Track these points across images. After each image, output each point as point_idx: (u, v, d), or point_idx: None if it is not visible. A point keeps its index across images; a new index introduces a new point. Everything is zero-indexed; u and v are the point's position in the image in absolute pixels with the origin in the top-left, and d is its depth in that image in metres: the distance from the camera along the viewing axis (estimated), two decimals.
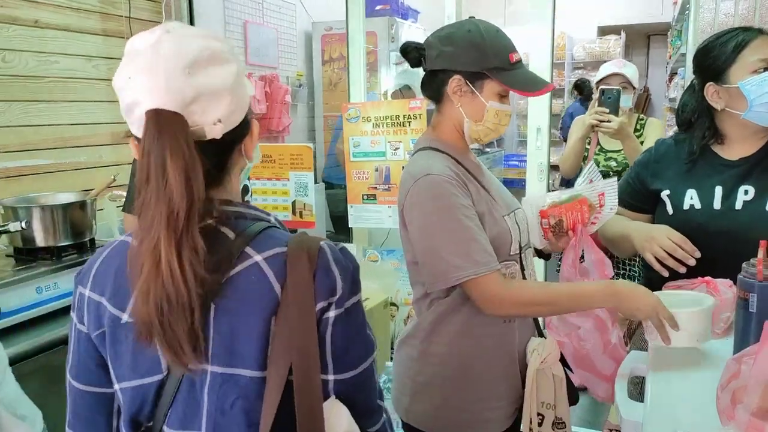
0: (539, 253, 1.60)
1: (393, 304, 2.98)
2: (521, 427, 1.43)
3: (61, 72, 2.61)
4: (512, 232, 1.40)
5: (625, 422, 1.07)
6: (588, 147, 2.77)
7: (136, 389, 0.86)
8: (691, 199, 1.53)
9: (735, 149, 1.53)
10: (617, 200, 1.51)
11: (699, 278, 1.40)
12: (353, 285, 0.86)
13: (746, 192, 1.47)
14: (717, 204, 1.49)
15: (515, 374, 1.44)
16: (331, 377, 0.85)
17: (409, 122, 2.72)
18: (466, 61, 1.34)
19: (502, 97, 1.37)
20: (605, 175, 2.73)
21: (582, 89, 6.17)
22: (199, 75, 0.79)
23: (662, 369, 1.20)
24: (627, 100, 2.58)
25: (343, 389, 0.86)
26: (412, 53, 1.41)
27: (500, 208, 1.41)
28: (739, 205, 1.47)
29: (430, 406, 1.43)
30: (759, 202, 1.46)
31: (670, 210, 1.56)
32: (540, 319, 1.59)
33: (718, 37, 1.51)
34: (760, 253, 1.13)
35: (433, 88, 1.40)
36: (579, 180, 1.57)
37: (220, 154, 0.86)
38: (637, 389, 1.41)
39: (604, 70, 2.70)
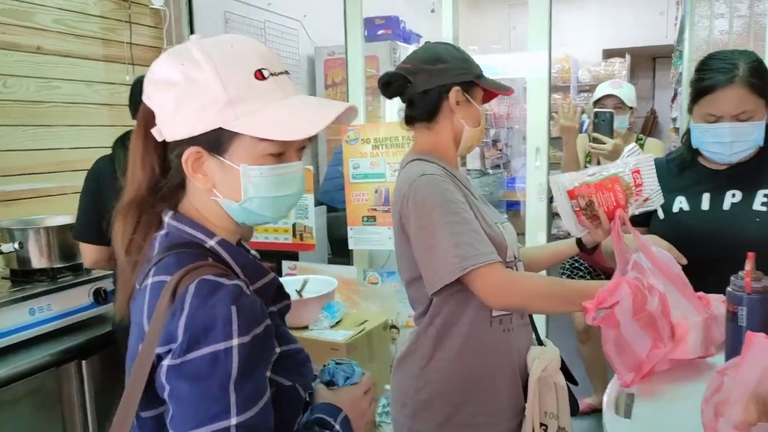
0: (581, 247, 1.50)
1: (394, 326, 2.95)
2: None
3: (63, 97, 2.65)
4: (506, 238, 1.41)
5: None
6: (589, 163, 2.78)
7: None
8: (681, 203, 1.57)
9: (714, 162, 1.56)
10: (656, 179, 1.39)
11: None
12: (201, 336, 0.74)
13: (734, 195, 1.51)
14: (705, 206, 1.54)
15: (517, 385, 1.43)
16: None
17: (408, 143, 2.73)
18: (460, 73, 1.41)
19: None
20: None
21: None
22: (151, 81, 0.86)
23: (651, 385, 1.17)
24: (623, 121, 2.59)
25: None
26: (396, 83, 1.42)
27: (489, 217, 1.43)
28: (727, 206, 1.51)
29: (432, 425, 1.40)
30: (746, 203, 1.49)
31: (661, 215, 1.60)
32: (541, 325, 1.56)
33: (701, 66, 1.54)
34: (748, 265, 1.11)
35: (430, 106, 1.42)
36: (618, 160, 1.45)
37: (168, 163, 0.89)
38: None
39: (600, 91, 2.72)
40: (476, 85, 1.43)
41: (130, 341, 0.84)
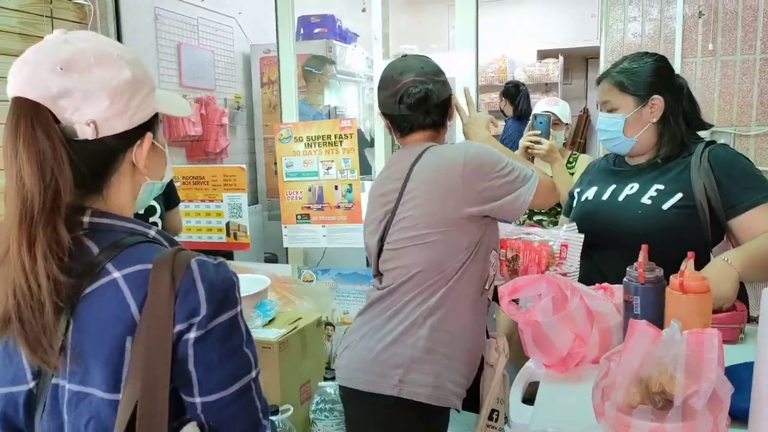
0: (494, 296, 1.62)
1: (329, 323, 2.97)
2: (480, 421, 1.54)
3: None
4: None
5: (515, 425, 1.09)
6: None
7: (5, 397, 0.85)
8: (589, 193, 1.73)
9: (636, 158, 1.69)
10: (578, 260, 1.55)
11: (597, 284, 1.44)
12: (221, 304, 0.82)
13: (631, 188, 1.63)
14: (605, 196, 1.67)
15: (476, 358, 1.56)
16: (197, 400, 0.82)
17: (341, 141, 2.75)
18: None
19: None
20: None
21: (513, 96, 5.83)
22: (72, 73, 0.82)
23: (556, 372, 1.23)
24: (559, 136, 2.71)
25: (213, 410, 0.83)
26: (432, 95, 1.55)
27: None
28: (621, 198, 1.63)
29: (431, 376, 1.45)
30: (637, 195, 1.60)
31: (575, 203, 1.77)
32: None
33: None
34: (641, 257, 1.17)
35: (444, 114, 1.62)
36: (556, 229, 1.64)
37: (97, 158, 0.86)
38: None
39: (537, 108, 2.84)
40: None
41: (90, 345, 0.79)
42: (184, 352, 0.80)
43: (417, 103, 1.53)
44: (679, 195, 1.53)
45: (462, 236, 1.48)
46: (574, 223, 1.62)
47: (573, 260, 1.53)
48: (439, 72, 1.59)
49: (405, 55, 1.67)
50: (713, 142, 1.63)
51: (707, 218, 1.51)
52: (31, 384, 0.84)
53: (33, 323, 0.77)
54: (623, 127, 1.61)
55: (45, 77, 0.81)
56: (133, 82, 0.87)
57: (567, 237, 1.55)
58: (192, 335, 0.80)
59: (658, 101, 1.60)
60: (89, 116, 0.82)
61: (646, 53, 1.67)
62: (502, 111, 6.38)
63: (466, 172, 1.46)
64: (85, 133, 0.82)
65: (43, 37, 0.87)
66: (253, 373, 0.87)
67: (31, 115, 0.80)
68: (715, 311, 1.25)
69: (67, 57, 0.82)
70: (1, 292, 0.78)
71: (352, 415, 1.59)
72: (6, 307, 0.78)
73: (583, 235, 1.58)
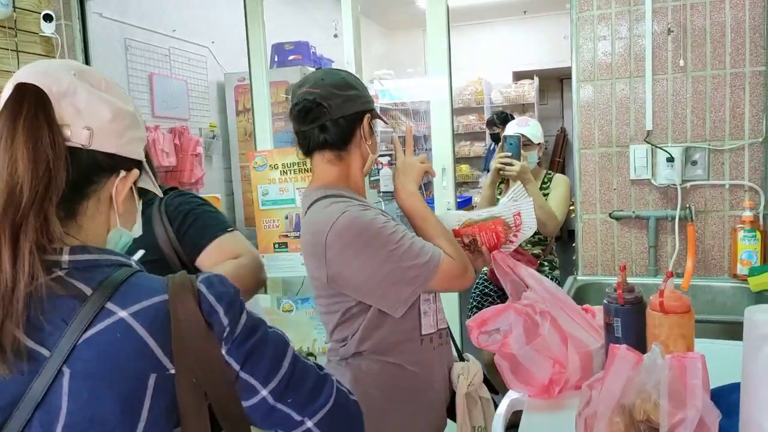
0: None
1: (311, 354, 2.90)
2: None
3: None
4: None
5: None
6: (499, 196, 2.85)
7: None
8: None
9: None
10: (534, 220, 1.50)
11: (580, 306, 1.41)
12: (236, 310, 0.82)
13: None
14: None
15: (439, 401, 1.45)
16: (264, 392, 0.82)
17: None
18: (369, 100, 1.44)
19: None
20: None
21: (496, 124, 6.17)
22: (84, 81, 0.81)
23: (540, 400, 1.19)
24: (532, 156, 2.70)
25: (282, 391, 0.84)
26: (315, 109, 1.36)
27: None
28: None
29: None
30: None
31: None
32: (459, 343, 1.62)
33: None
34: (620, 277, 1.14)
35: (344, 133, 1.39)
36: (503, 199, 1.58)
37: (82, 170, 0.80)
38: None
39: (508, 130, 2.83)
40: (373, 111, 1.46)
41: (99, 390, 0.73)
42: (229, 363, 0.81)
43: (302, 116, 1.36)
44: (141, 252, 1.21)
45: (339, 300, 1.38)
46: (518, 183, 1.59)
47: (529, 222, 1.49)
48: (344, 86, 1.38)
49: (318, 68, 1.61)
50: (170, 188, 1.53)
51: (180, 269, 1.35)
52: None
53: None
54: None
55: (58, 74, 0.79)
56: (135, 117, 0.87)
57: (518, 206, 1.51)
58: (225, 349, 0.80)
59: None
60: (88, 122, 0.80)
61: None
62: (490, 135, 6.49)
63: (330, 251, 1.31)
64: (80, 137, 0.79)
65: (9, 72, 0.84)
66: (291, 343, 0.88)
67: (36, 101, 0.76)
68: None
69: (83, 69, 0.83)
70: None
71: None
72: None
73: (531, 198, 1.54)
